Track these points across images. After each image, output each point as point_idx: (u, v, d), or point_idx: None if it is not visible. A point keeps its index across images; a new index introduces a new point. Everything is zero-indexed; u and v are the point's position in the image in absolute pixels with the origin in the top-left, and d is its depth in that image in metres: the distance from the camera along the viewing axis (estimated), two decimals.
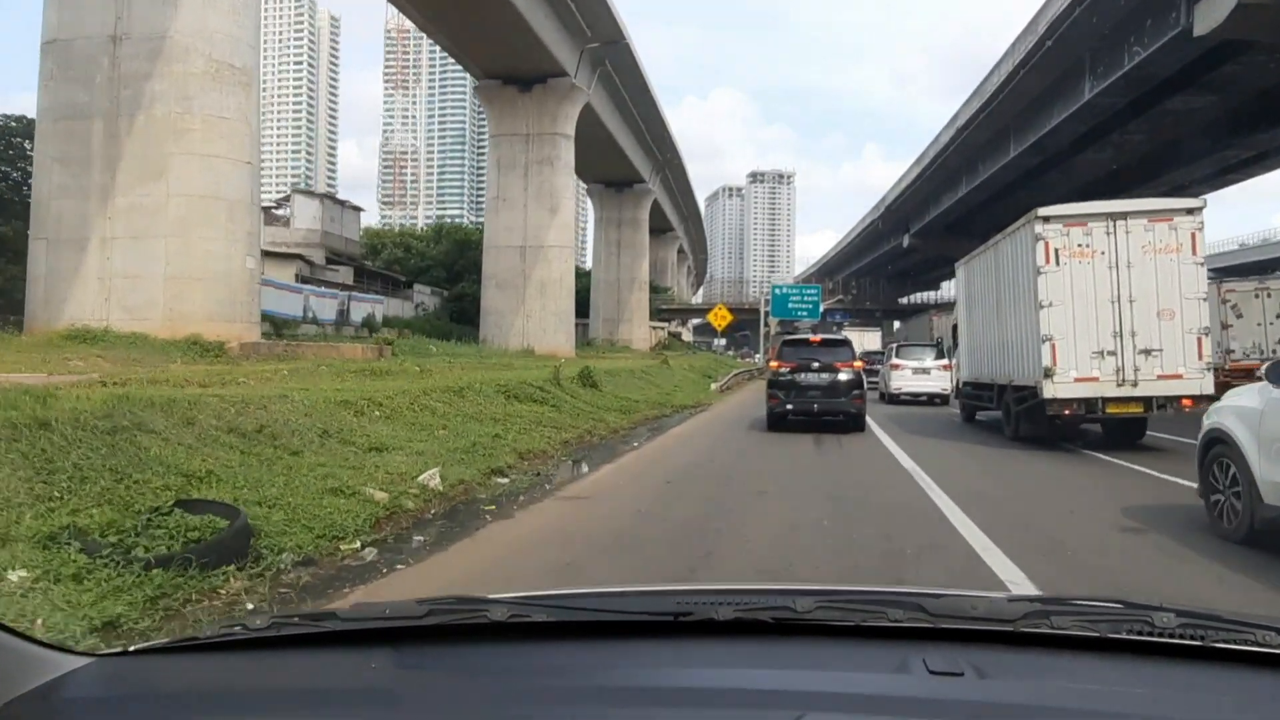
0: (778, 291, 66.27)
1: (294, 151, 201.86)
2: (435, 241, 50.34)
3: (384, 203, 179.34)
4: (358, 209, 43.60)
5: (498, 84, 39.67)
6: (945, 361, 23.08)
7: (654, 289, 74.48)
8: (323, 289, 32.60)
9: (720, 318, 26.71)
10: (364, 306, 34.76)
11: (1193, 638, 1.27)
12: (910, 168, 54.84)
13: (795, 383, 13.94)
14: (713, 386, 24.35)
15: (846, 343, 15.05)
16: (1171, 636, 1.28)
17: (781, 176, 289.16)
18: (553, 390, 13.41)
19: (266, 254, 34.16)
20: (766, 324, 70.44)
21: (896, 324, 73.00)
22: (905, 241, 65.01)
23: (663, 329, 71.69)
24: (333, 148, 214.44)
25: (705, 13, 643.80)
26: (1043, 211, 12.24)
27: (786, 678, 1.24)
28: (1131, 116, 32.23)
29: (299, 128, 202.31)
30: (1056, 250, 11.80)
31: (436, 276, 47.67)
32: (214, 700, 1.23)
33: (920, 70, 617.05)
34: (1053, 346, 11.70)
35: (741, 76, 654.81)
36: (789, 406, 13.95)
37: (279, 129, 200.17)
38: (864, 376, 14.76)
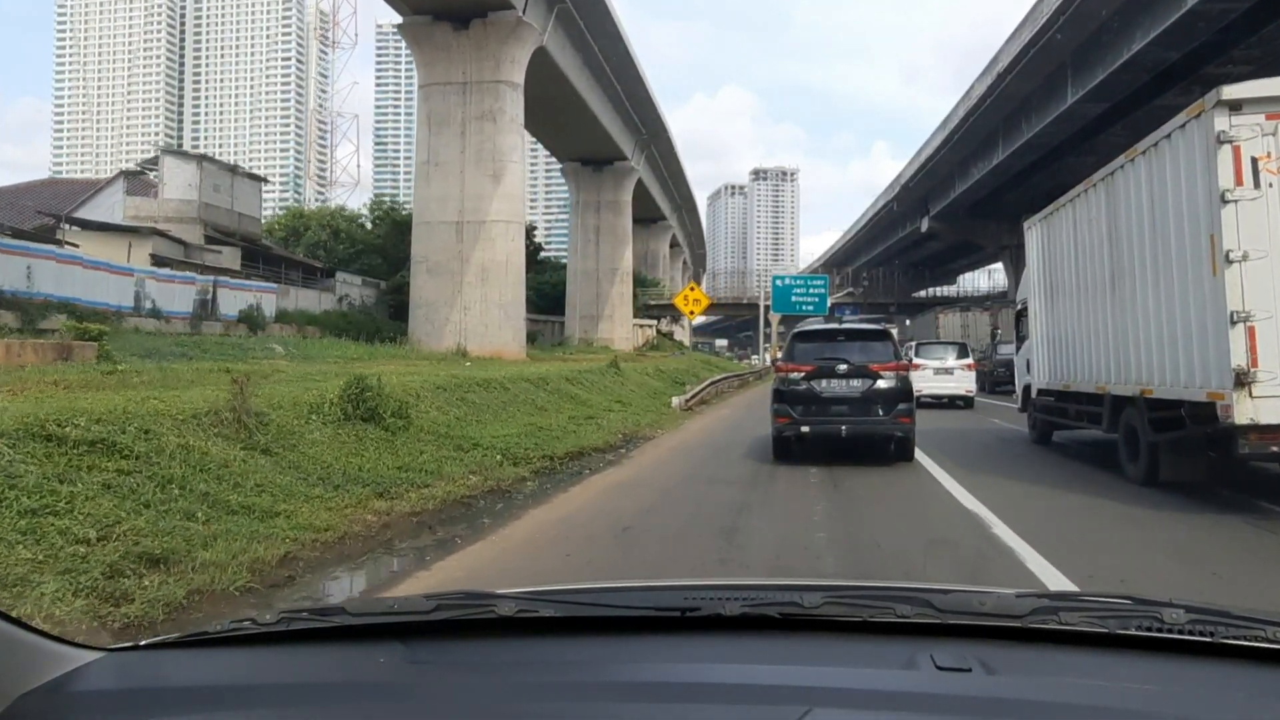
0: (779, 283, 58.62)
1: (282, 150, 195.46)
2: (373, 224, 42.58)
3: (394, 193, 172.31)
4: (257, 178, 35.75)
5: (427, 20, 32.05)
6: (969, 361, 21.60)
7: (641, 282, 66.75)
8: (176, 273, 24.83)
9: (691, 302, 19.12)
10: (245, 296, 27.07)
11: (1202, 634, 1.26)
12: (933, 134, 46.96)
13: (813, 394, 10.14)
14: (674, 402, 16.68)
15: (885, 334, 10.95)
16: (1181, 633, 1.27)
17: (785, 174, 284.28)
18: (154, 446, 5.21)
19: (100, 228, 26.75)
20: (767, 320, 62.80)
21: (907, 321, 65.35)
22: (924, 225, 57.20)
23: (651, 327, 63.91)
24: (323, 147, 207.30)
25: (713, 8, 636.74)
26: (1230, 92, 7.25)
27: (793, 673, 1.23)
28: (1246, 31, 24.44)
29: (287, 127, 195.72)
30: (1254, 161, 7.10)
31: (371, 264, 39.96)
32: (223, 694, 1.22)
33: (930, 66, 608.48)
34: (1249, 332, 7.03)
35: (749, 74, 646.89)
36: (804, 429, 10.10)
37: (267, 129, 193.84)
38: (911, 383, 10.73)
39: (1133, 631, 1.29)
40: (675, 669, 1.27)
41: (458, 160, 31.94)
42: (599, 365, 20.16)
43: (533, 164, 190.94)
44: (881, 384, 9.97)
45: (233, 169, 33.67)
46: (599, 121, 46.88)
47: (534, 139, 54.91)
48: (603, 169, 55.05)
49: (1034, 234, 12.45)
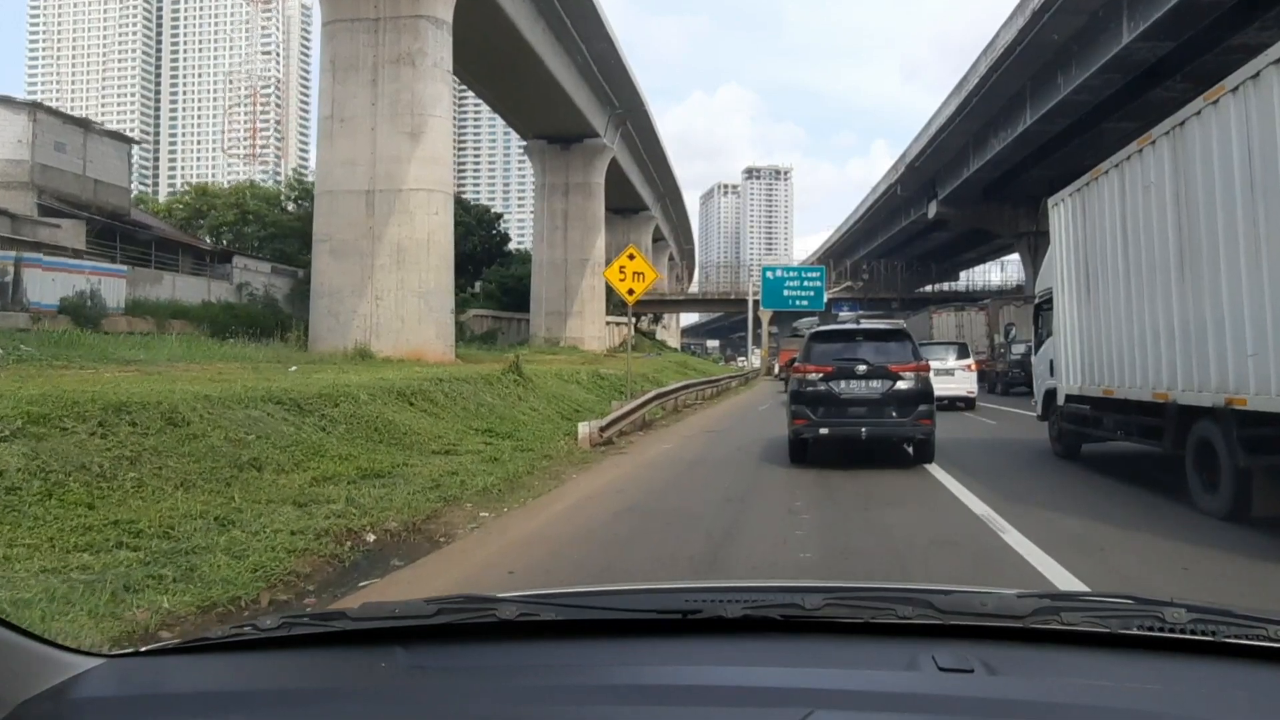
0: (770, 275, 52.69)
1: (262, 146, 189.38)
2: (294, 204, 36.37)
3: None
4: (123, 139, 29.32)
5: None
6: (969, 361, 21.38)
7: None
8: None
9: (631, 277, 13.12)
10: (74, 280, 20.87)
11: (1204, 633, 1.26)
12: (946, 101, 40.93)
13: (832, 395, 9.89)
14: (582, 431, 10.24)
15: (903, 334, 10.67)
16: (1183, 632, 1.27)
17: (779, 172, 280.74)
18: None
19: None
20: (756, 317, 56.72)
21: (909, 317, 59.36)
22: (931, 211, 51.28)
23: (628, 324, 57.70)
24: (304, 142, 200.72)
25: (711, 4, 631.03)
26: None
27: (795, 675, 1.23)
28: None
29: (266, 123, 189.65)
30: None
31: (288, 249, 33.76)
32: (225, 700, 1.22)
33: (929, 61, 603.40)
34: None
35: (747, 73, 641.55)
36: (822, 430, 9.89)
37: (245, 123, 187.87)
38: (932, 385, 10.28)
39: (1135, 631, 1.28)
40: (676, 671, 1.27)
41: (368, 114, 25.83)
42: (491, 371, 14.06)
43: (510, 148, 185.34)
44: (902, 385, 9.90)
45: (85, 124, 27.29)
46: (563, 89, 40.84)
47: (491, 111, 49.01)
48: (571, 147, 48.99)
49: (1063, 212, 10.66)
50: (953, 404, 20.09)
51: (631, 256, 14.04)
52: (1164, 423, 7.96)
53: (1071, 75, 29.63)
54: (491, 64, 36.91)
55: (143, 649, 1.36)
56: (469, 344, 37.89)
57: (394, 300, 25.62)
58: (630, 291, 13.73)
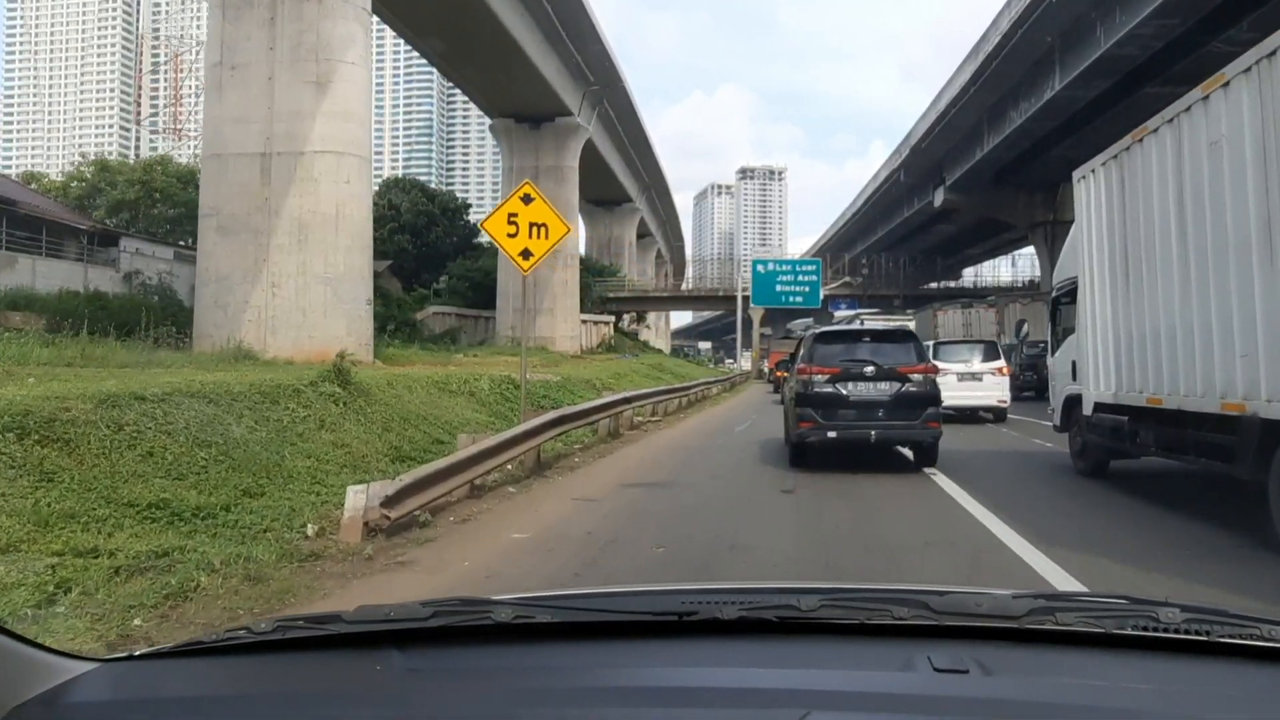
0: (761, 270, 48.04)
1: (184, 119, 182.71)
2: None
3: None
4: None
5: None
6: (1000, 364, 18.40)
7: (597, 271, 56.01)
8: None
9: (528, 234, 8.63)
10: None
11: (1198, 633, 1.26)
12: (957, 70, 36.25)
13: (839, 397, 9.78)
14: (353, 501, 5.36)
15: (909, 336, 10.60)
16: (1177, 632, 1.27)
17: (773, 173, 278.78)
18: None
19: None
20: (746, 315, 52.08)
21: (909, 314, 54.76)
22: (937, 199, 46.71)
23: (607, 324, 53.09)
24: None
25: (711, 4, 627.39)
26: None
27: (791, 676, 1.23)
28: None
29: (189, 90, 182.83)
30: None
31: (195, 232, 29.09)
32: (219, 704, 1.22)
33: (930, 60, 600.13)
34: None
35: (747, 74, 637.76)
36: (830, 434, 9.73)
37: (167, 91, 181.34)
38: (939, 387, 10.16)
39: (1129, 631, 1.28)
40: (673, 673, 1.27)
41: (264, 60, 21.13)
42: (295, 381, 9.26)
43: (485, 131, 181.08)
44: (910, 387, 9.73)
45: None
46: (528, 57, 36.21)
47: (455, 87, 44.37)
48: (541, 126, 44.27)
49: (1092, 185, 9.28)
50: (975, 414, 17.96)
51: (527, 198, 9.42)
52: (1237, 440, 6.73)
53: (1115, 24, 25.02)
54: (438, 20, 32.26)
55: (137, 653, 1.34)
56: (423, 344, 33.36)
57: (294, 288, 20.91)
58: (526, 254, 9.14)
